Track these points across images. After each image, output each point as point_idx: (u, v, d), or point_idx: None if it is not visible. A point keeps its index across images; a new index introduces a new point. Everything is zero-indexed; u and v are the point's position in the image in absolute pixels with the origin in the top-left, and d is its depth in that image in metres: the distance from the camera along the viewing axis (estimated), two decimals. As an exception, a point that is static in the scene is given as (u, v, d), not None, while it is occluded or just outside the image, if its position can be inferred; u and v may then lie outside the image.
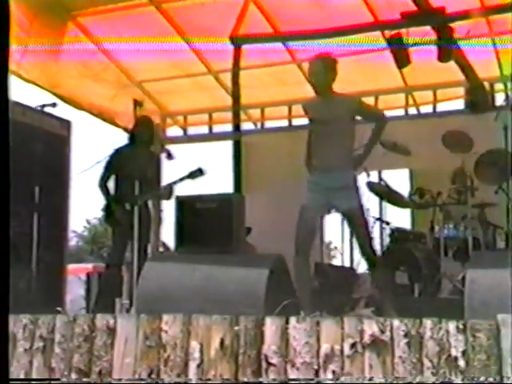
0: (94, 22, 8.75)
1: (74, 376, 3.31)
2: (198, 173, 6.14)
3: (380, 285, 5.58)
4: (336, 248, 26.17)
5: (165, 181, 7.06)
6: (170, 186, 6.51)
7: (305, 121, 10.45)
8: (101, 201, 6.99)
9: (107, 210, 6.91)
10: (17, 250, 6.23)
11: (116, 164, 6.91)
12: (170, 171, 8.28)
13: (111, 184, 6.98)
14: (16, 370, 3.41)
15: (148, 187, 6.57)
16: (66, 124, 8.11)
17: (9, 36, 2.18)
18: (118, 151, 7.04)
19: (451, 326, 2.81)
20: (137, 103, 6.57)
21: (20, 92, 7.97)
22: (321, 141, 5.71)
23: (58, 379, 3.37)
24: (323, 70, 5.68)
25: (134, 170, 6.46)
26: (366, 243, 5.51)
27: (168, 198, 6.59)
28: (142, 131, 7.05)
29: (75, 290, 10.00)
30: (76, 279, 10.66)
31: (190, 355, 3.13)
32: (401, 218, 8.73)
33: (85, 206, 32.81)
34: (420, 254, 7.18)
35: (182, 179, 6.27)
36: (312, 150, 5.85)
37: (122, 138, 8.74)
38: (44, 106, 6.49)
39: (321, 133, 5.71)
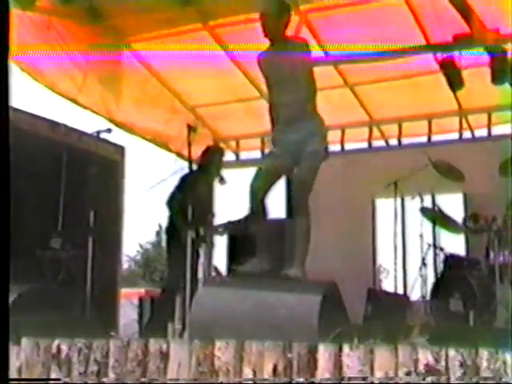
0: (148, 48, 8.87)
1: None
2: None
3: (300, 236, 5.19)
4: (386, 270, 25.91)
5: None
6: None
7: (358, 145, 10.55)
8: (164, 221, 7.09)
9: (171, 231, 7.00)
10: (71, 274, 6.31)
11: (185, 187, 7.02)
12: (222, 195, 8.36)
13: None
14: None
15: (207, 215, 6.72)
16: (120, 149, 8.24)
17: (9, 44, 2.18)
18: (188, 175, 7.12)
19: (508, 357, 2.74)
20: (191, 128, 6.62)
21: (76, 118, 8.15)
22: (279, 94, 5.36)
23: (58, 379, 3.37)
24: (275, 13, 5.33)
25: (198, 198, 6.56)
26: (305, 188, 5.23)
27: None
28: (210, 162, 7.28)
29: (128, 314, 10.06)
30: (129, 303, 10.73)
31: (243, 381, 3.11)
32: (455, 243, 8.61)
33: (138, 230, 33.15)
34: (475, 281, 7.06)
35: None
36: (272, 106, 5.46)
37: (170, 162, 8.87)
38: (99, 131, 6.58)
39: (279, 85, 5.36)
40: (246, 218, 5.92)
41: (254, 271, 5.01)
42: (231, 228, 7.23)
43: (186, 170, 7.13)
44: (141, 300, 11.22)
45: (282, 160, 5.32)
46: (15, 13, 6.23)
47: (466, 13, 6.94)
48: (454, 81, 7.62)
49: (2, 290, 2.11)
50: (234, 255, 7.55)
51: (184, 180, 7.12)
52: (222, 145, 10.88)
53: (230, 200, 6.57)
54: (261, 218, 5.37)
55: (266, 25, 5.34)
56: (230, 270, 7.40)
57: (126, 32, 8.52)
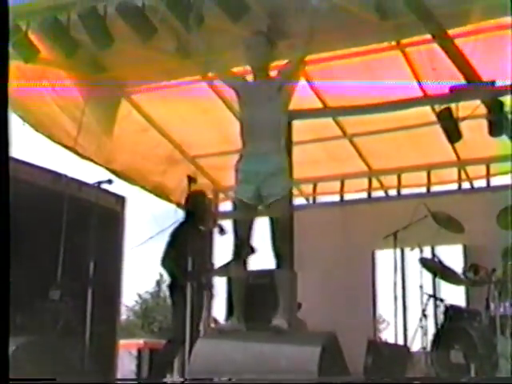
0: (147, 99, 8.95)
1: None
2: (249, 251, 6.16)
3: (283, 286, 5.07)
4: (386, 322, 25.77)
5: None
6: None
7: (357, 195, 10.59)
8: (165, 277, 7.08)
9: (174, 285, 6.96)
10: (70, 325, 6.27)
11: (177, 241, 6.99)
12: (222, 246, 8.32)
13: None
14: None
15: (206, 264, 6.66)
16: (121, 200, 8.26)
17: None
18: (177, 228, 7.13)
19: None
20: (191, 180, 6.64)
21: (76, 167, 8.19)
22: (252, 124, 5.30)
23: (53, 379, 3.33)
24: (264, 46, 5.30)
25: (192, 247, 6.51)
26: (283, 236, 5.12)
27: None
28: (195, 207, 7.14)
29: (127, 365, 9.99)
30: (127, 354, 10.66)
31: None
32: (455, 294, 8.57)
33: (136, 279, 33.02)
34: (476, 333, 7.01)
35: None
36: (244, 136, 5.37)
37: (171, 213, 8.88)
38: (100, 182, 6.59)
39: (252, 116, 5.31)
40: (228, 263, 5.91)
41: (234, 329, 4.92)
42: (217, 272, 7.18)
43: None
44: (139, 351, 11.15)
45: (248, 193, 5.17)
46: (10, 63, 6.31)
47: (462, 65, 7.02)
48: (452, 132, 7.67)
49: (3, 290, 2.11)
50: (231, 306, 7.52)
51: (173, 234, 7.10)
52: (221, 195, 10.94)
53: (229, 250, 6.54)
54: (243, 262, 5.30)
55: (253, 57, 5.35)
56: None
57: (125, 83, 8.60)
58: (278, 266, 5.09)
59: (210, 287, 7.15)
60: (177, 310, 7.03)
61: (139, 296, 36.79)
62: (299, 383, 3.31)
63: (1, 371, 2.10)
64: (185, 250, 6.67)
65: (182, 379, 5.49)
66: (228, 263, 5.96)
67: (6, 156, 2.09)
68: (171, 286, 7.05)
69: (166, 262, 7.02)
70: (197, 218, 7.15)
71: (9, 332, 2.12)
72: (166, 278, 7.26)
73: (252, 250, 5.96)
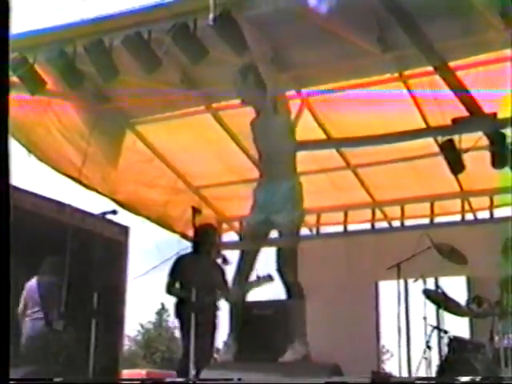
0: (152, 129, 9.00)
1: None
2: (267, 279, 6.15)
3: (295, 315, 5.21)
4: (390, 353, 25.61)
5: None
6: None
7: (361, 226, 10.60)
8: (166, 307, 7.09)
9: (180, 315, 6.98)
10: (73, 355, 6.26)
11: (180, 271, 7.04)
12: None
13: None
14: None
15: (214, 291, 6.75)
16: (124, 230, 8.28)
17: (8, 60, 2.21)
18: (181, 258, 7.17)
19: None
20: (196, 211, 6.67)
21: (80, 198, 8.22)
22: (264, 154, 5.54)
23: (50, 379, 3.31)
24: (241, 83, 5.44)
25: (198, 278, 6.53)
26: (293, 264, 5.22)
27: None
28: (205, 239, 7.24)
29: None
30: (130, 385, 10.61)
31: None
32: (459, 326, 8.55)
33: (138, 310, 32.91)
34: (479, 365, 6.98)
35: (251, 286, 6.29)
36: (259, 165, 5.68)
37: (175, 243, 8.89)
38: (105, 213, 6.57)
39: (263, 147, 5.54)
40: (259, 279, 5.92)
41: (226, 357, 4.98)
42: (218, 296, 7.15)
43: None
44: (142, 382, 11.09)
45: (259, 221, 5.38)
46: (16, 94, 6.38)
47: (464, 97, 7.07)
48: (455, 164, 7.70)
49: (3, 289, 2.10)
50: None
51: (175, 265, 7.15)
52: (225, 225, 10.95)
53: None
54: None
55: (245, 95, 5.51)
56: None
57: (130, 114, 8.66)
58: (289, 293, 5.14)
59: (214, 318, 7.15)
60: (183, 340, 7.02)
61: (141, 326, 36.70)
62: (301, 383, 3.29)
63: (1, 371, 2.10)
64: (188, 280, 6.68)
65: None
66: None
67: (7, 181, 2.11)
68: (177, 315, 7.06)
69: (168, 291, 7.06)
70: (204, 250, 7.20)
71: (9, 332, 2.12)
72: (168, 308, 7.26)
73: (270, 278, 5.98)
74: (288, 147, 5.54)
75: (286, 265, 5.22)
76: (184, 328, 7.02)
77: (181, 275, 7.06)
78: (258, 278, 6.14)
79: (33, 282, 7.15)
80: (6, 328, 2.14)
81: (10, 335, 2.10)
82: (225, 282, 7.10)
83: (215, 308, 7.14)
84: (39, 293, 7.09)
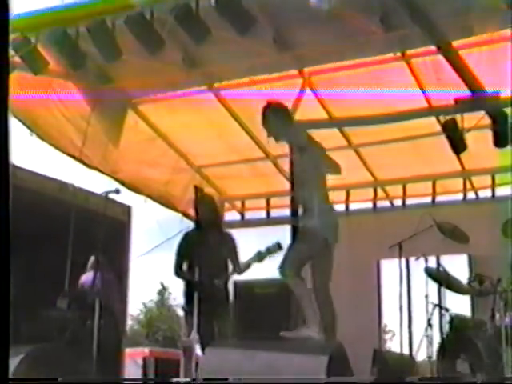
0: (154, 109, 9.00)
1: None
2: (276, 247, 6.15)
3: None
4: (391, 331, 25.73)
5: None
6: (249, 264, 6.51)
7: (363, 205, 10.61)
8: (168, 285, 7.00)
9: (188, 294, 6.89)
10: (77, 334, 6.31)
11: (186, 249, 6.91)
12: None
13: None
14: None
15: (223, 268, 6.60)
16: (127, 209, 8.30)
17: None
18: (187, 235, 7.06)
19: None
20: (198, 190, 6.65)
21: (82, 177, 8.24)
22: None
23: (55, 379, 3.36)
24: (273, 119, 5.87)
25: (204, 254, 6.45)
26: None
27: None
28: (205, 212, 7.00)
29: (132, 374, 10.02)
30: (133, 363, 10.69)
31: None
32: (460, 304, 8.58)
33: (141, 288, 33.02)
34: (481, 343, 7.02)
35: (260, 255, 6.28)
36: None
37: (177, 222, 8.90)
38: (108, 192, 6.53)
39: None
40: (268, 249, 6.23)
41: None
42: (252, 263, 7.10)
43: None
44: (145, 360, 11.18)
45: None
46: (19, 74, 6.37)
47: (466, 76, 7.05)
48: (457, 143, 7.70)
49: (3, 289, 2.12)
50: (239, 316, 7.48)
51: (181, 243, 7.00)
52: (227, 204, 10.96)
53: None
54: None
55: (267, 130, 5.98)
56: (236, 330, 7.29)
57: (132, 94, 8.66)
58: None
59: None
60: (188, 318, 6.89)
61: (144, 305, 36.82)
62: (303, 383, 3.34)
63: (1, 371, 2.13)
64: (196, 257, 6.59)
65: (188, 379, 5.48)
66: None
67: (7, 161, 2.12)
68: (186, 295, 6.95)
69: (176, 271, 6.93)
70: (207, 223, 6.97)
71: (9, 332, 2.14)
72: (169, 287, 7.17)
73: (279, 247, 6.05)
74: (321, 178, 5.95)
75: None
76: (189, 308, 6.95)
77: (187, 253, 6.90)
78: (268, 248, 6.16)
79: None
80: (6, 328, 2.16)
81: (9, 335, 2.12)
82: (235, 256, 6.84)
83: (225, 287, 6.82)
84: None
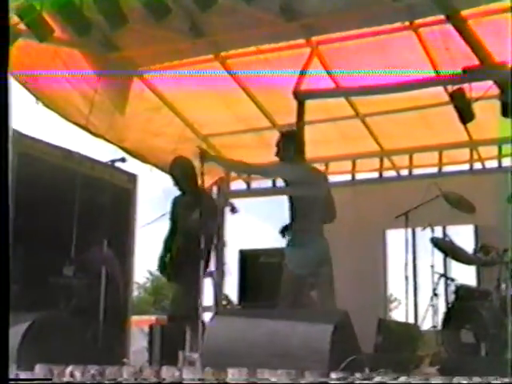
0: (160, 78, 8.96)
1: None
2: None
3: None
4: (397, 300, 25.80)
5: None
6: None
7: (369, 175, 10.60)
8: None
9: (163, 264, 6.89)
10: (83, 301, 6.34)
11: (174, 215, 6.90)
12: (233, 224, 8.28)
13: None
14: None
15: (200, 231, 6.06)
16: (133, 178, 8.30)
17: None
18: (174, 202, 7.03)
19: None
20: (203, 156, 6.59)
21: (89, 145, 8.24)
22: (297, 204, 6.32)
23: (49, 379, 3.40)
24: (285, 143, 6.28)
25: (185, 220, 6.42)
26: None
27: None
28: (179, 175, 6.90)
29: (138, 342, 10.06)
30: (139, 331, 10.73)
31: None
32: (466, 274, 8.60)
33: (147, 257, 33.17)
34: (486, 313, 7.04)
35: None
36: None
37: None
38: (114, 161, 6.51)
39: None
40: None
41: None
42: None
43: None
44: (151, 328, 11.19)
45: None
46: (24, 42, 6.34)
47: (475, 46, 7.00)
48: (465, 113, 7.64)
49: (3, 290, 2.13)
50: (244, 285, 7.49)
51: (172, 208, 6.96)
52: (233, 174, 10.95)
53: (241, 228, 6.50)
54: None
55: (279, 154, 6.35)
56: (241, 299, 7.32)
57: (138, 62, 8.62)
58: None
59: (221, 264, 7.05)
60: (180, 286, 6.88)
61: (150, 273, 36.93)
62: (308, 383, 3.36)
63: (1, 371, 2.14)
64: (180, 224, 6.55)
65: (196, 355, 5.49)
66: None
67: (6, 127, 2.11)
68: (161, 266, 6.92)
69: (166, 243, 6.91)
70: (183, 187, 6.85)
71: (8, 332, 2.16)
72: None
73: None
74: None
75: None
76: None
77: (172, 219, 6.87)
78: None
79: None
80: (6, 328, 2.17)
81: (9, 335, 2.13)
82: (212, 219, 6.51)
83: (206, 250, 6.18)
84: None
